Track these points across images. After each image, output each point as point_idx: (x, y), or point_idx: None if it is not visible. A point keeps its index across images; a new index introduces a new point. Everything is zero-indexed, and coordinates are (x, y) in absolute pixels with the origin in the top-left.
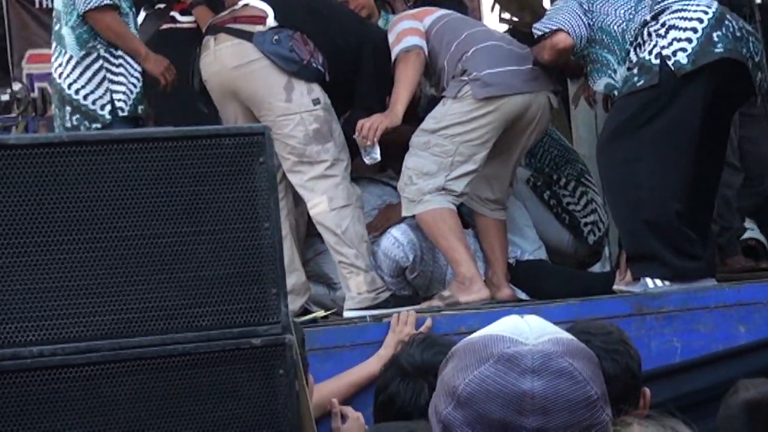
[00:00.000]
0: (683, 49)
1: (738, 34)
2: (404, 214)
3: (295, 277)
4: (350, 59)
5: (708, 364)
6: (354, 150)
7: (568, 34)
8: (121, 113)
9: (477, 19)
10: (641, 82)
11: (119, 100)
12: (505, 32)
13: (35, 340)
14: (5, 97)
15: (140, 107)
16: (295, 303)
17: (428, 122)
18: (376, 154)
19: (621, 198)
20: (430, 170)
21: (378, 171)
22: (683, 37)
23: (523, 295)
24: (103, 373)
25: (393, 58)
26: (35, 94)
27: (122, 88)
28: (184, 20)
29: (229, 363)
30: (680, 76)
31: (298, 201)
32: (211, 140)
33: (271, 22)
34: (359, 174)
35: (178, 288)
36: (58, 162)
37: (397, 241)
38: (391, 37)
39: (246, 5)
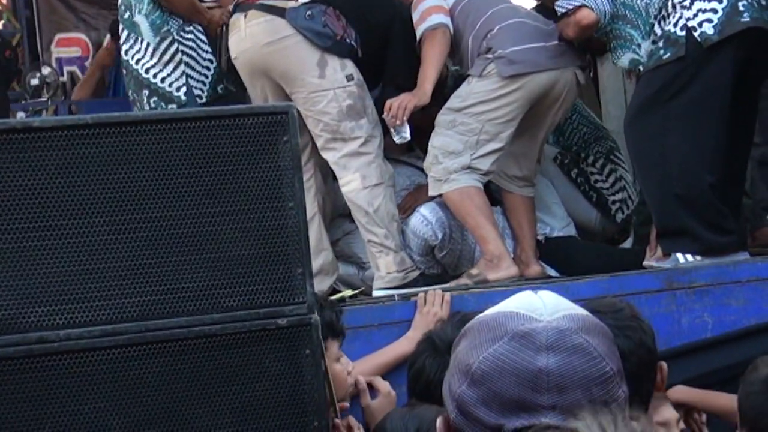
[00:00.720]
0: (709, 20)
1: (764, 2)
2: (431, 193)
3: (322, 257)
4: (381, 35)
5: (740, 339)
6: (384, 129)
7: (592, 9)
8: (198, 99)
9: None
10: (667, 54)
11: (195, 80)
12: (532, 9)
13: (62, 324)
14: (35, 81)
15: (220, 87)
16: (323, 283)
17: (453, 101)
18: (406, 134)
19: (650, 173)
20: (456, 149)
21: (406, 151)
22: (708, 7)
23: (552, 272)
24: (130, 356)
25: (418, 37)
26: (64, 78)
27: (197, 68)
28: (207, 1)
29: (255, 344)
30: (707, 47)
31: (326, 180)
32: (234, 120)
33: None
34: (387, 154)
35: (203, 269)
36: (83, 144)
37: (425, 219)
38: (415, 16)
39: None
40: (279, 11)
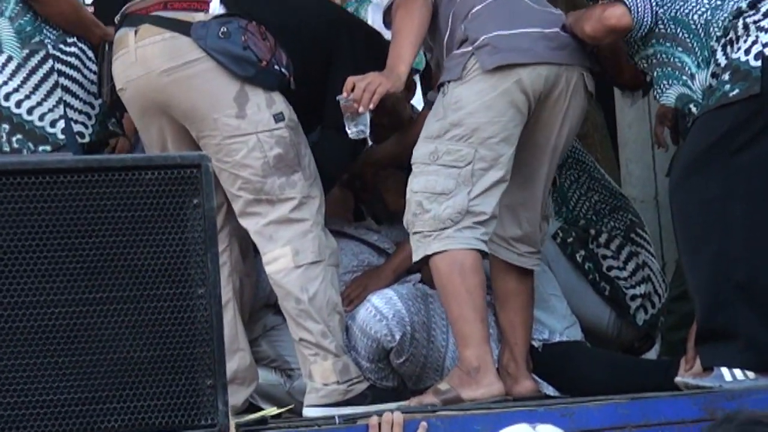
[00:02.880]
0: None
1: None
2: (415, 258)
3: (238, 360)
4: (322, 59)
5: None
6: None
7: (629, 11)
8: (80, 139)
9: None
10: (735, 91)
11: (76, 112)
12: None
13: None
14: None
15: (112, 122)
16: (237, 395)
17: (430, 126)
18: (365, 126)
19: (701, 250)
20: (446, 188)
21: (352, 221)
22: None
23: (550, 390)
24: None
25: (386, 4)
26: None
27: (81, 95)
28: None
29: None
30: None
31: (245, 254)
32: (127, 174)
33: (216, 7)
34: (327, 225)
35: (75, 377)
36: None
37: (379, 313)
38: None
39: None
40: (182, 27)
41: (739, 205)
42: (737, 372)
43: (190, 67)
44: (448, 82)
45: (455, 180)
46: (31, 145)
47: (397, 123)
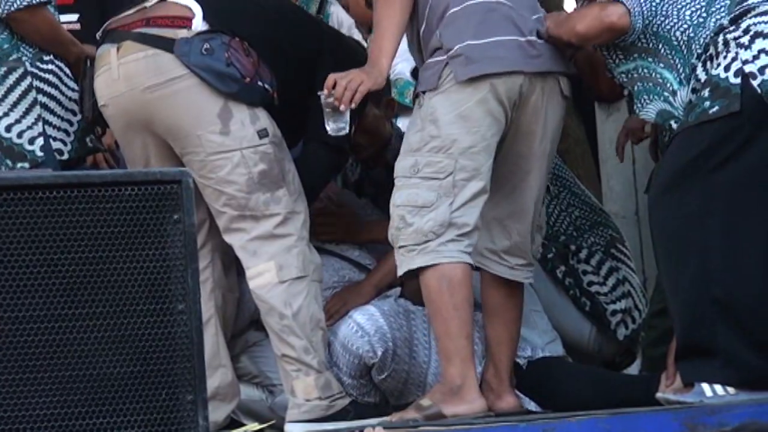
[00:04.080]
0: None
1: None
2: (400, 272)
3: (219, 376)
4: (304, 75)
5: None
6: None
7: (629, 12)
8: (59, 156)
9: None
10: (715, 108)
11: (55, 128)
12: None
13: None
14: None
15: (90, 138)
16: (218, 412)
17: (410, 138)
18: (345, 124)
19: (680, 267)
20: (428, 200)
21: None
22: None
23: (532, 406)
24: None
25: None
26: None
27: (58, 112)
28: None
29: None
30: None
31: (227, 271)
32: (107, 190)
33: (198, 24)
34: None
35: (54, 393)
36: None
37: (360, 329)
38: None
39: (161, 0)
40: (165, 43)
41: (717, 221)
42: (718, 387)
43: (173, 84)
44: (424, 92)
45: (436, 192)
46: (9, 162)
47: (377, 141)
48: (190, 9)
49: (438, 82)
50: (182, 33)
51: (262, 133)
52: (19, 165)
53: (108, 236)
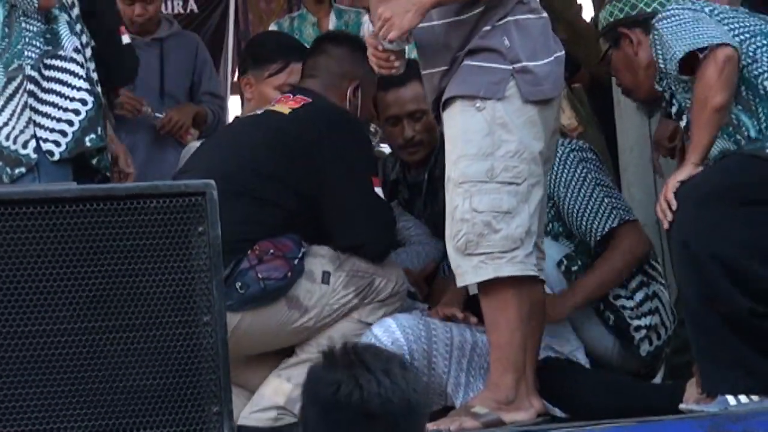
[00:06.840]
0: None
1: None
2: (484, 278)
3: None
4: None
5: None
6: None
7: (732, 48)
8: (50, 157)
9: None
10: None
11: (47, 131)
12: None
13: None
14: None
15: (89, 137)
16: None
17: (476, 142)
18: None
19: (695, 276)
20: (510, 207)
21: None
22: None
23: (556, 411)
24: None
25: None
26: None
27: (52, 117)
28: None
29: None
30: None
31: None
32: (131, 203)
33: None
34: None
35: (81, 407)
36: None
37: (378, 341)
38: None
39: None
40: None
41: (737, 233)
42: (742, 397)
43: None
44: (480, 98)
45: (517, 199)
46: (8, 169)
47: (433, 142)
48: None
49: (504, 93)
50: None
51: (325, 279)
52: (17, 171)
53: (133, 249)
